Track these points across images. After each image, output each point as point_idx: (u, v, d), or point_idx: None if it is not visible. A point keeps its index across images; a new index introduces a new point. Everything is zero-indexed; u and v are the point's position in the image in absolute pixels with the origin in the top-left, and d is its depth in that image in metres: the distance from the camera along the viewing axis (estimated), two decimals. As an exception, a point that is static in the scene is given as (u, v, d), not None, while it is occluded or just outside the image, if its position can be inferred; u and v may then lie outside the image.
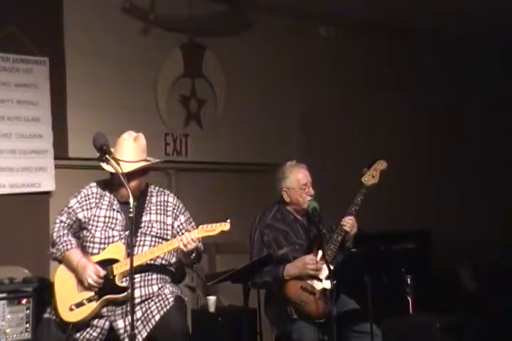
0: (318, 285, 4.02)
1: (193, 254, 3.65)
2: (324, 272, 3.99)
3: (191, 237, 3.53)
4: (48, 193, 5.17)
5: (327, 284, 3.93)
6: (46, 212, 5.09)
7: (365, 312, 4.05)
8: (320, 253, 4.02)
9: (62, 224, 3.72)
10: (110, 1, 5.59)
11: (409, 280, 5.29)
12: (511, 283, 6.20)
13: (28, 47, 5.15)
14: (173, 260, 3.78)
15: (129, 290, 3.37)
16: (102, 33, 5.48)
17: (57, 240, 3.68)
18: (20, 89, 5.12)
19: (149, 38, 5.78)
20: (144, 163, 3.69)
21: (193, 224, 3.77)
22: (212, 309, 5.16)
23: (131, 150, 3.66)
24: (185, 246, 3.53)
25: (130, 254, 3.37)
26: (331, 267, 3.85)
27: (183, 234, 3.60)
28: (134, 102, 5.64)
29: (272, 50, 6.41)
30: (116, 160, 3.47)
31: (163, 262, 3.72)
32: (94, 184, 3.81)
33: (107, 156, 3.47)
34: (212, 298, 5.17)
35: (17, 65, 5.10)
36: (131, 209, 3.29)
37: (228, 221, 3.52)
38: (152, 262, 3.65)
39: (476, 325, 5.39)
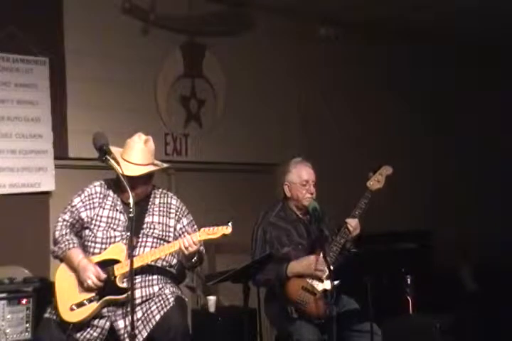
0: (319, 286, 4.02)
1: (195, 257, 3.65)
2: (326, 273, 3.99)
3: (192, 240, 3.52)
4: (48, 193, 5.17)
5: (328, 285, 3.93)
6: (46, 212, 5.09)
7: (365, 312, 4.05)
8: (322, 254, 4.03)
9: (64, 223, 3.72)
10: (110, 1, 5.59)
11: (409, 280, 5.29)
12: (511, 283, 6.20)
13: (28, 47, 5.15)
14: (174, 261, 3.78)
15: (130, 292, 3.37)
16: (102, 33, 5.48)
17: (60, 239, 3.68)
18: (20, 89, 5.12)
19: (149, 38, 5.78)
20: (153, 168, 3.69)
21: (195, 227, 3.77)
22: (212, 309, 5.16)
23: (140, 153, 3.65)
24: (186, 248, 3.53)
25: (130, 255, 3.37)
26: (332, 268, 3.85)
27: (184, 236, 3.60)
28: (134, 102, 5.64)
29: (272, 50, 6.41)
30: (117, 161, 3.47)
31: (164, 263, 3.72)
32: (98, 183, 3.79)
33: (106, 156, 3.47)
34: (212, 298, 5.17)
35: (17, 64, 5.10)
36: (131, 210, 3.29)
37: (230, 224, 3.53)
38: (153, 263, 3.65)
39: (476, 324, 5.39)
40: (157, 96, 5.87)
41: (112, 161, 3.44)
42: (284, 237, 4.19)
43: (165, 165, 3.80)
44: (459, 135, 7.57)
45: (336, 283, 3.86)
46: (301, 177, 4.24)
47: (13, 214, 4.98)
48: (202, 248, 3.68)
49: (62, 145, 5.27)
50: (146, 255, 3.59)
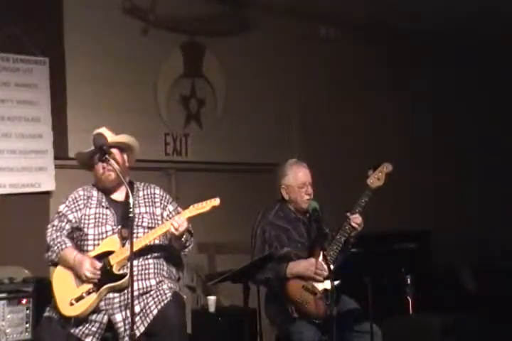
0: (319, 286, 4.02)
1: (184, 236, 3.66)
2: (326, 273, 3.99)
3: (182, 218, 3.57)
4: (48, 193, 5.17)
5: (328, 285, 3.93)
6: (46, 212, 5.08)
7: (365, 312, 4.05)
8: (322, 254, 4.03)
9: (54, 228, 3.78)
10: (110, 1, 5.59)
11: (409, 280, 5.29)
12: (511, 283, 6.20)
13: (28, 47, 5.14)
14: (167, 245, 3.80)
15: (128, 276, 3.40)
16: (102, 33, 5.48)
17: (51, 243, 3.72)
18: (20, 89, 5.12)
19: (149, 38, 5.78)
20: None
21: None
22: (212, 309, 5.16)
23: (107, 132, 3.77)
24: (176, 229, 3.55)
25: (130, 237, 3.42)
26: (332, 267, 3.85)
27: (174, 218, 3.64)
28: (134, 102, 5.64)
29: (272, 50, 6.41)
30: (116, 161, 3.49)
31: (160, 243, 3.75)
32: (81, 188, 3.88)
33: (106, 156, 3.50)
34: (212, 298, 5.18)
35: (17, 64, 5.10)
36: (130, 210, 3.39)
37: (217, 198, 3.56)
38: (149, 257, 3.67)
39: (476, 324, 5.39)
40: (157, 96, 5.87)
41: (112, 162, 3.46)
42: (284, 236, 4.19)
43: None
44: (459, 135, 7.57)
45: (336, 283, 3.85)
46: (298, 180, 4.21)
47: (13, 214, 4.98)
48: (190, 225, 3.69)
49: (62, 145, 5.27)
50: (140, 239, 3.62)
